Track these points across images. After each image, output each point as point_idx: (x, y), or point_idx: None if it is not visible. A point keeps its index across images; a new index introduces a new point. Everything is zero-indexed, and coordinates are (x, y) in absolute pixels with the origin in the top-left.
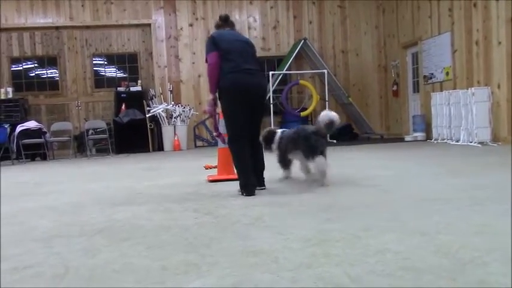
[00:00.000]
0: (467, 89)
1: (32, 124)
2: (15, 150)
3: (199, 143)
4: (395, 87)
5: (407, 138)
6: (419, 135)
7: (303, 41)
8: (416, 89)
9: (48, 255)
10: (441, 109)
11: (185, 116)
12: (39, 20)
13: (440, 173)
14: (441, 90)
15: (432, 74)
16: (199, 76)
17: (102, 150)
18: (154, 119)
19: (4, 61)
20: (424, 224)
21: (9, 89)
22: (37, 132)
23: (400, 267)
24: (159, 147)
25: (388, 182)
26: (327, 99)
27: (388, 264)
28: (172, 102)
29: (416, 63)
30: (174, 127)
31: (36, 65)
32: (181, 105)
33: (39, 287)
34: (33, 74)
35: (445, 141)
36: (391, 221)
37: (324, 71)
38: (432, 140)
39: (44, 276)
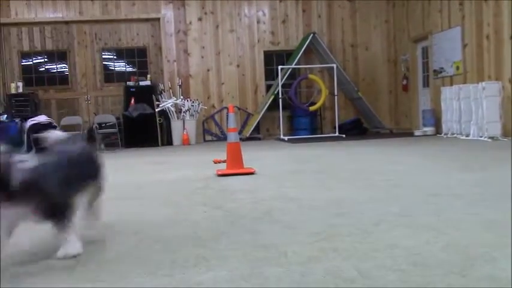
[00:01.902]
0: (478, 84)
1: (42, 118)
2: (26, 144)
3: (208, 138)
4: (405, 82)
5: (416, 132)
6: (429, 129)
7: (312, 35)
8: (426, 83)
9: (56, 249)
10: (451, 103)
11: (194, 111)
12: (49, 15)
13: (450, 168)
14: (451, 85)
15: (442, 68)
16: (208, 70)
17: (111, 144)
18: (164, 113)
19: (14, 55)
20: (433, 219)
21: (20, 84)
22: (47, 127)
23: (409, 262)
24: (168, 142)
25: (397, 177)
26: (336, 94)
27: (398, 259)
28: (181, 97)
29: (426, 58)
30: (183, 121)
31: (46, 59)
32: (190, 100)
33: (50, 278)
34: (43, 69)
35: (455, 136)
36: (401, 216)
37: (333, 65)
38: (442, 135)
39: (55, 267)
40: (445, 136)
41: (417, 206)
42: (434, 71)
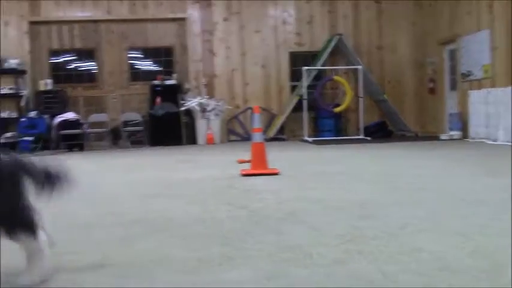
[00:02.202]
0: (507, 87)
1: (70, 115)
2: (54, 141)
3: (232, 137)
4: (431, 85)
5: (442, 136)
6: (456, 133)
7: (337, 36)
8: (453, 86)
9: (87, 242)
10: (479, 107)
11: (219, 110)
12: (78, 14)
13: (477, 172)
14: (479, 88)
15: (470, 71)
16: (233, 70)
17: (136, 142)
18: (189, 112)
19: (44, 53)
20: (460, 224)
21: (49, 81)
22: (75, 124)
23: (435, 267)
24: (193, 141)
25: (423, 181)
26: (361, 96)
27: (423, 263)
28: (206, 96)
29: (454, 60)
30: (208, 121)
31: (74, 57)
32: (215, 99)
33: (77, 274)
34: (72, 67)
35: (482, 140)
36: (427, 220)
37: (358, 67)
38: (469, 139)
39: (83, 262)
40: (471, 140)
41: (443, 210)
42: (462, 74)
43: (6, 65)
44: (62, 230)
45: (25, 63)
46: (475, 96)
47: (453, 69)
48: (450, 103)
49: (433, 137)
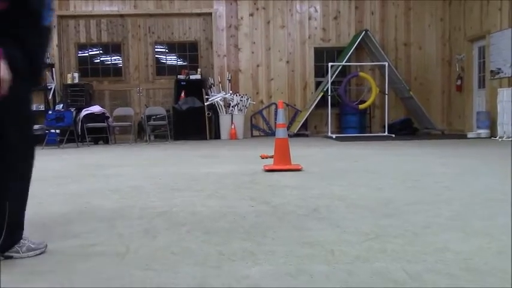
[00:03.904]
0: None
1: (96, 109)
2: (80, 134)
3: (255, 133)
4: (459, 82)
5: (470, 135)
6: (483, 132)
7: (364, 32)
8: (481, 84)
9: (111, 234)
10: (508, 106)
11: (242, 105)
12: (105, 8)
13: (504, 172)
14: (509, 86)
15: (500, 69)
16: (257, 66)
17: (160, 136)
18: (212, 107)
19: (71, 47)
20: (487, 225)
21: (76, 74)
22: (100, 117)
23: (461, 267)
24: (216, 136)
25: (449, 179)
26: (386, 93)
27: (449, 263)
28: (231, 91)
29: (483, 58)
30: (231, 116)
31: (101, 51)
32: (239, 95)
33: (101, 264)
34: (98, 60)
35: (511, 139)
36: (453, 220)
37: (384, 63)
38: (497, 138)
39: (106, 254)
40: (500, 139)
41: (469, 209)
42: (491, 71)
43: None
44: (86, 221)
45: (53, 56)
46: (504, 95)
47: (482, 67)
48: (478, 101)
49: (460, 135)
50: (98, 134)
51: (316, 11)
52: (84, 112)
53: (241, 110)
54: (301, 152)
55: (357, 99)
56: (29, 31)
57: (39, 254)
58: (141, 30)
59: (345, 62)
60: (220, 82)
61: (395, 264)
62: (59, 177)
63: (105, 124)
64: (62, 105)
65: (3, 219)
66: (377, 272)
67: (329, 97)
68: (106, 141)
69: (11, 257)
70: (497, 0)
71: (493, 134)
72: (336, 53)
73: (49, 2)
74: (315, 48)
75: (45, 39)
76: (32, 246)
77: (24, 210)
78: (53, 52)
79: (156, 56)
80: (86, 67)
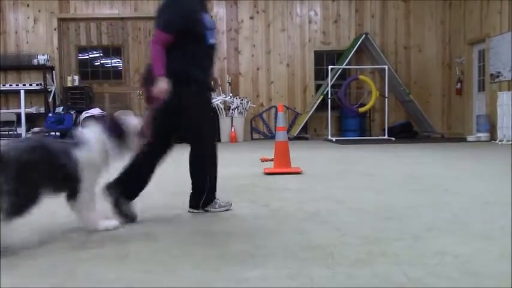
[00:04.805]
0: None
1: (96, 111)
2: None
3: (255, 135)
4: (459, 85)
5: (469, 138)
6: (483, 135)
7: (364, 35)
8: (481, 87)
9: (112, 237)
10: (508, 109)
11: (243, 108)
12: (106, 11)
13: (505, 175)
14: (508, 90)
15: (499, 72)
16: (258, 69)
17: None
18: (212, 110)
19: (72, 49)
20: (487, 228)
21: (76, 77)
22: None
23: (460, 270)
24: (216, 138)
25: (449, 183)
26: (386, 96)
27: (448, 267)
28: (231, 94)
29: (483, 61)
30: (231, 119)
31: (101, 54)
32: (239, 98)
33: (102, 267)
34: (99, 63)
35: (511, 142)
36: (452, 223)
37: (384, 66)
38: (496, 141)
39: (107, 257)
40: (499, 143)
41: (469, 213)
42: (491, 75)
43: (35, 61)
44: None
45: (53, 59)
46: (504, 98)
47: (482, 70)
48: (478, 104)
49: (460, 139)
50: None
51: (316, 14)
52: (84, 115)
53: (241, 113)
54: (301, 155)
55: (356, 102)
56: (197, 50)
57: (226, 210)
58: (141, 33)
59: (345, 65)
60: (220, 85)
61: (396, 267)
62: None
63: None
64: (62, 107)
65: (201, 185)
66: (377, 276)
67: (329, 100)
68: None
69: (208, 211)
70: (497, 3)
71: (492, 137)
72: (336, 56)
73: (211, 24)
74: (315, 51)
75: (210, 55)
76: (222, 204)
77: (214, 179)
78: (53, 55)
79: None
80: (86, 70)
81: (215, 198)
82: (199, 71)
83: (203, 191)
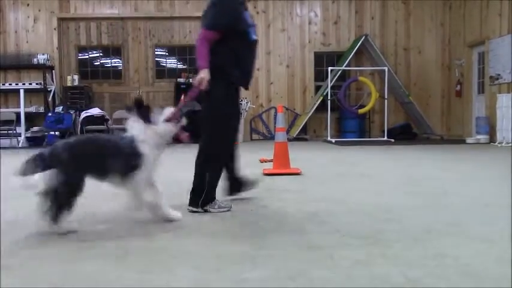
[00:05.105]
0: None
1: (95, 111)
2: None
3: (255, 136)
4: (458, 87)
5: (469, 140)
6: (482, 137)
7: (364, 37)
8: (481, 89)
9: (111, 237)
10: (507, 111)
11: (242, 109)
12: (106, 11)
13: (505, 177)
14: (508, 92)
15: (499, 74)
16: (257, 70)
17: None
18: (239, 112)
19: (72, 49)
20: (486, 230)
21: (76, 77)
22: (100, 119)
23: (460, 272)
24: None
25: (448, 185)
26: (386, 97)
27: (448, 268)
28: None
29: (483, 63)
30: None
31: (101, 54)
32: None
33: (101, 267)
34: (98, 63)
35: (510, 144)
36: (452, 225)
37: (384, 68)
38: (496, 143)
39: (107, 256)
40: (499, 145)
41: (468, 215)
42: (491, 77)
43: (34, 61)
44: (83, 222)
45: (53, 58)
46: (504, 100)
47: (481, 72)
48: (477, 106)
49: (459, 141)
50: None
51: (316, 15)
52: (83, 114)
53: (241, 114)
54: (300, 156)
55: (356, 103)
56: (241, 46)
57: (226, 211)
58: (141, 33)
59: (345, 67)
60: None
61: (395, 268)
62: None
63: (104, 126)
64: (61, 107)
65: (202, 183)
66: (376, 277)
67: (329, 101)
68: None
69: (207, 211)
70: (497, 5)
71: (492, 139)
72: (336, 58)
73: (251, 22)
74: (315, 52)
75: (253, 51)
76: (222, 205)
77: (216, 181)
78: (53, 54)
79: (156, 59)
80: (86, 69)
81: (215, 198)
82: (238, 70)
83: (202, 190)
